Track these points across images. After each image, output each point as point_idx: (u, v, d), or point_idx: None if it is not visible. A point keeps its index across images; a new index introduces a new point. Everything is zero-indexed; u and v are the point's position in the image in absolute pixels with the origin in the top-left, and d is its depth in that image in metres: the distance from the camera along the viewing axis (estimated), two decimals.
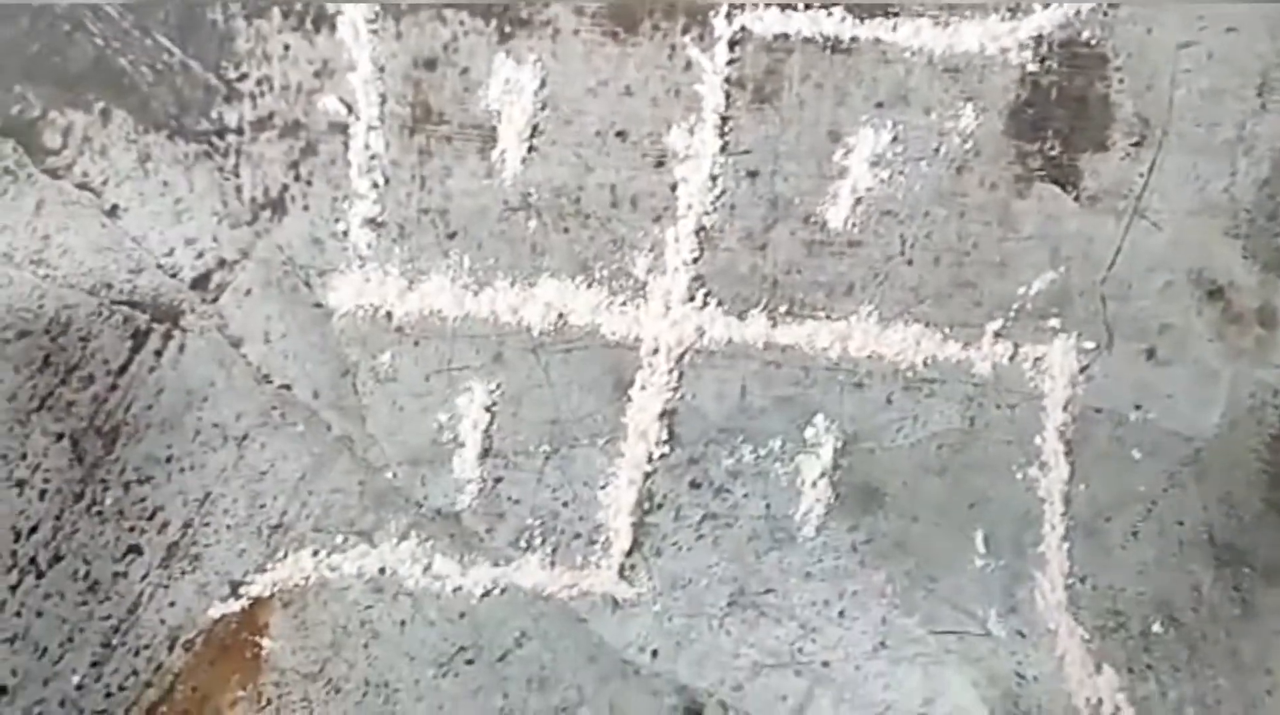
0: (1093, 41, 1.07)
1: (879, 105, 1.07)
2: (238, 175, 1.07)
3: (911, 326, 1.08)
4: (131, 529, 1.07)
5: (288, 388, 1.08)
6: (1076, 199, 1.07)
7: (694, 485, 1.08)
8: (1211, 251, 1.07)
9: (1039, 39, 1.07)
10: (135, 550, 1.06)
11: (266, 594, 1.06)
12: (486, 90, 1.07)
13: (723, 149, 1.07)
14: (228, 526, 1.07)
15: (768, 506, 1.08)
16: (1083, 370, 1.08)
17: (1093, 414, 1.07)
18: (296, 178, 1.07)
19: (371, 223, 1.07)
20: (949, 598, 1.08)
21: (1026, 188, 1.07)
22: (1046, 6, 1.07)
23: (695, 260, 1.08)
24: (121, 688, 1.05)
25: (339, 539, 1.08)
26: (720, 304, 1.09)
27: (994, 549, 1.08)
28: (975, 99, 1.07)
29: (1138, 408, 1.08)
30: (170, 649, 1.06)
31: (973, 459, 1.08)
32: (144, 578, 1.06)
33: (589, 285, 1.08)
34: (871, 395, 1.08)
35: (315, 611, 1.06)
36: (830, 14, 1.07)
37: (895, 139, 1.07)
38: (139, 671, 1.05)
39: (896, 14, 1.07)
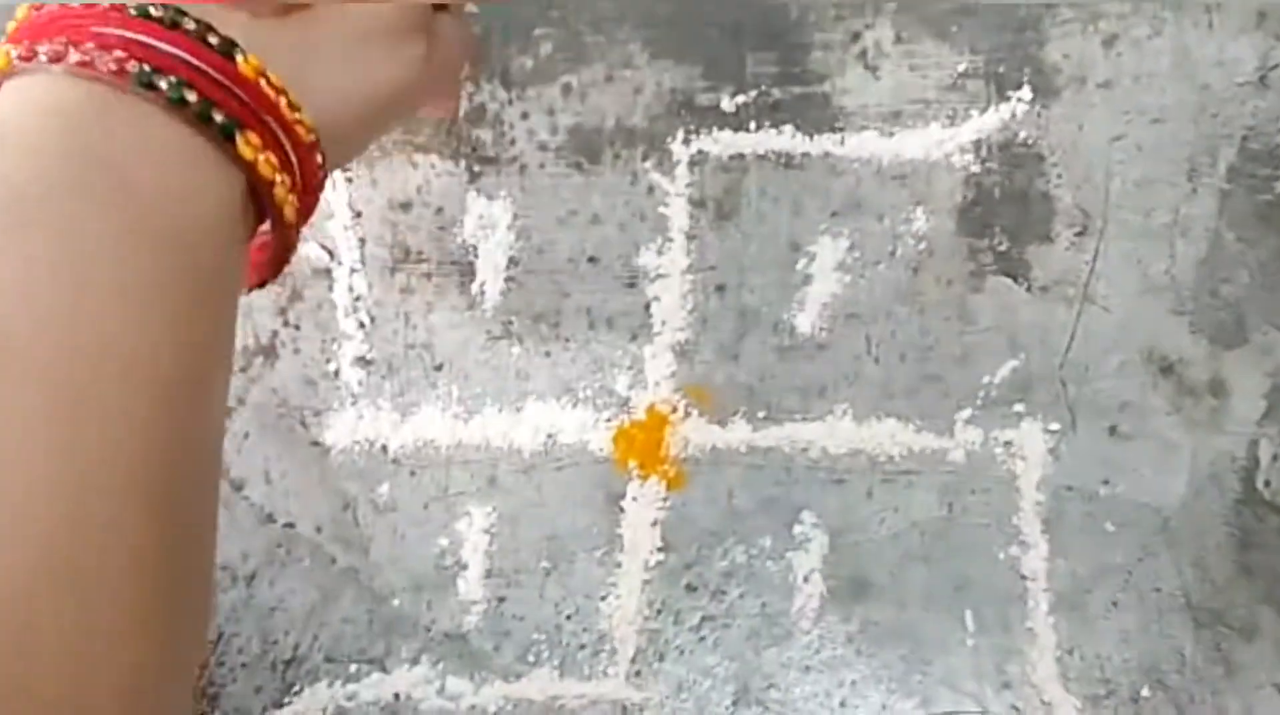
0: (1029, 141, 1.12)
1: (834, 214, 1.12)
2: None
3: (885, 421, 1.12)
4: None
5: (291, 525, 1.10)
6: (1028, 289, 1.12)
7: (690, 589, 1.11)
8: (1160, 330, 1.12)
9: (979, 143, 1.12)
10: None
11: None
12: (461, 227, 1.11)
13: (690, 266, 1.12)
14: (243, 665, 1.09)
15: (763, 604, 1.11)
16: (1051, 451, 1.11)
17: (1065, 492, 1.11)
18: (285, 323, 1.11)
19: (361, 361, 1.11)
20: (945, 679, 1.10)
21: (980, 282, 1.12)
22: (983, 112, 1.12)
23: (673, 374, 1.12)
24: None
25: (352, 668, 1.10)
26: (701, 414, 1.12)
27: (983, 628, 1.11)
28: (924, 202, 1.12)
29: (1106, 483, 1.12)
30: None
31: (955, 543, 1.11)
32: None
33: (574, 405, 1.11)
34: (853, 490, 1.11)
35: None
36: (780, 132, 1.12)
37: (852, 245, 1.12)
38: None
39: (843, 129, 1.12)
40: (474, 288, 1.11)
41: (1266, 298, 1.08)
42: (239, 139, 0.55)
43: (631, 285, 1.10)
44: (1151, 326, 1.10)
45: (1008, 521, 1.08)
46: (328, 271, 1.11)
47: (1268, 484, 1.07)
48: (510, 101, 1.13)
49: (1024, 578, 1.08)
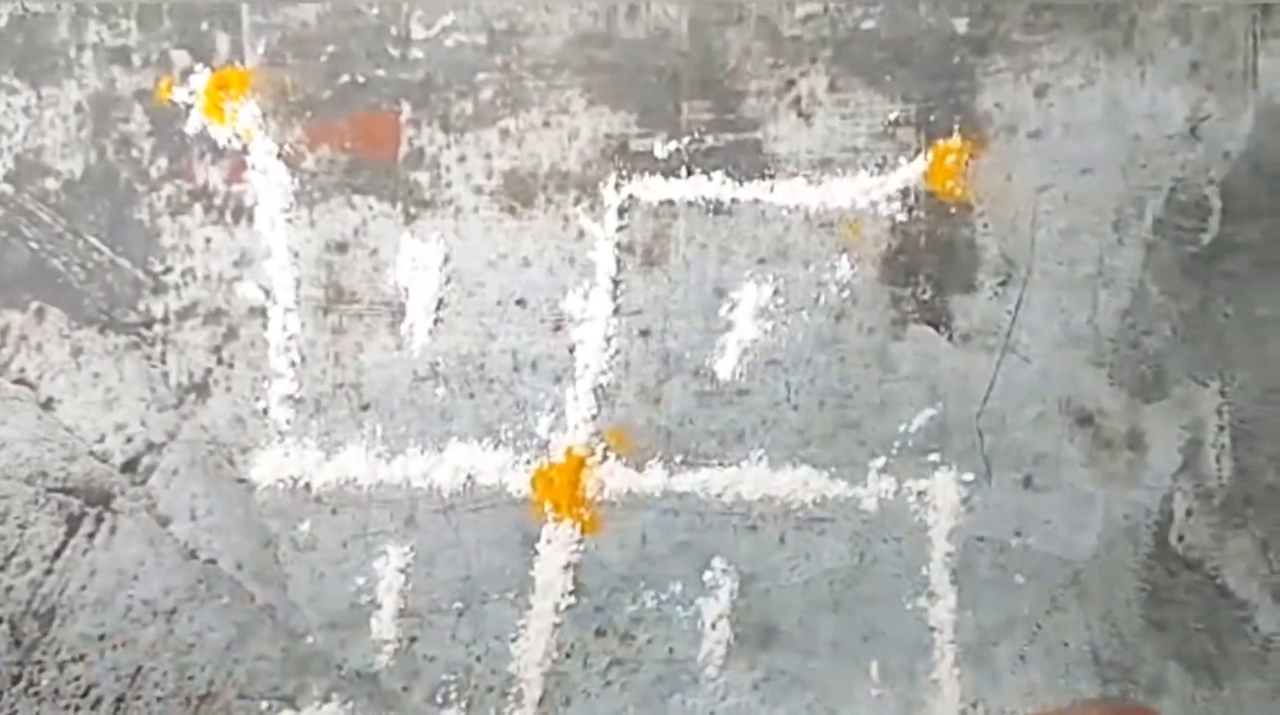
0: (956, 190, 1.11)
1: (761, 261, 1.11)
2: (164, 362, 1.12)
3: (800, 468, 1.11)
4: (67, 707, 1.10)
5: (213, 561, 1.11)
6: (950, 338, 1.11)
7: (599, 633, 1.11)
8: (1079, 381, 1.11)
9: (905, 191, 1.11)
10: None
11: None
12: (394, 268, 1.12)
13: (616, 311, 1.12)
14: (158, 699, 1.10)
15: (671, 650, 1.11)
16: (964, 501, 1.10)
17: (976, 543, 1.10)
18: (219, 361, 1.12)
19: (290, 399, 1.12)
20: None
21: (902, 330, 1.11)
22: (911, 161, 1.11)
23: (594, 417, 1.12)
24: None
25: (264, 705, 1.11)
26: (618, 458, 1.12)
27: (888, 679, 1.10)
28: (850, 250, 1.11)
29: (1018, 535, 1.11)
30: None
31: (864, 593, 1.10)
32: None
33: (495, 446, 1.11)
34: (765, 536, 1.11)
35: None
36: (711, 178, 1.12)
37: (777, 292, 1.11)
38: None
39: (773, 176, 1.12)
40: (403, 328, 1.11)
41: (1188, 351, 1.06)
42: None
43: (557, 328, 1.10)
44: (1071, 377, 1.09)
45: (917, 572, 1.07)
46: (263, 310, 1.12)
47: (1181, 539, 1.06)
48: (448, 145, 1.13)
49: (931, 629, 1.07)
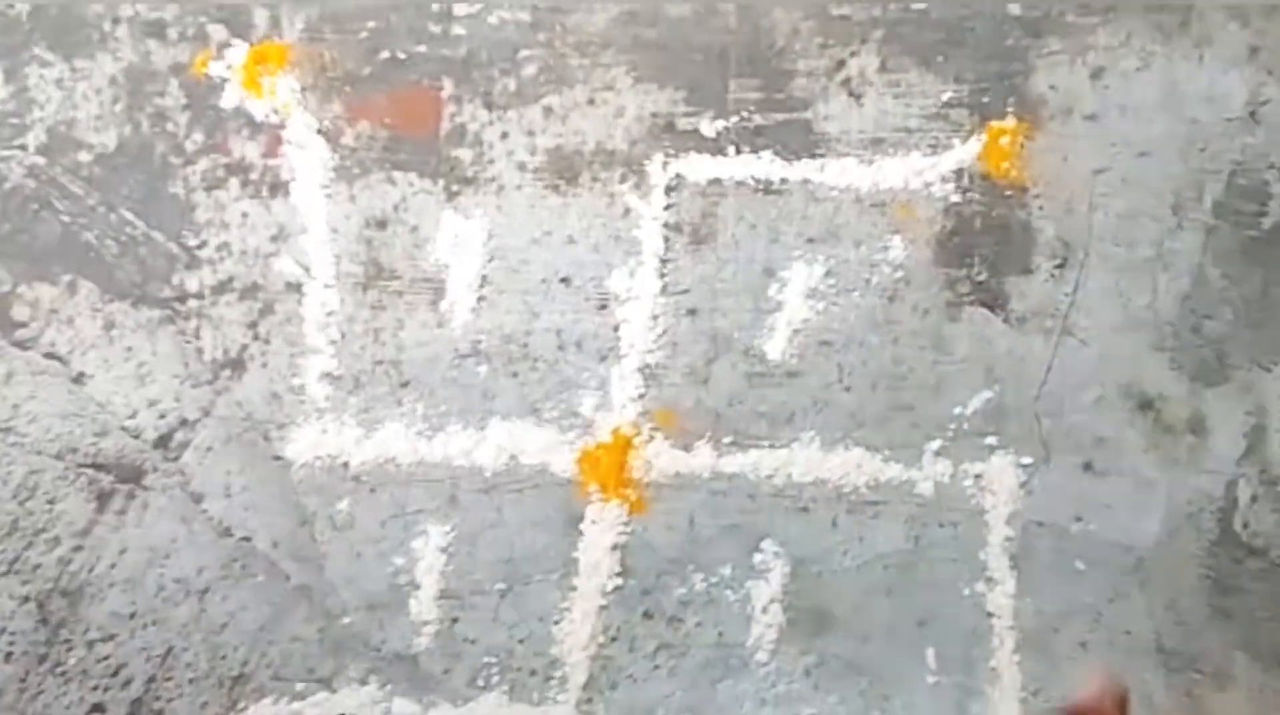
0: (1011, 172, 1.09)
1: (810, 241, 1.09)
2: (199, 337, 1.08)
3: (852, 450, 1.08)
4: (95, 688, 1.06)
5: (248, 540, 1.08)
6: (1006, 321, 1.08)
7: (647, 616, 1.07)
8: (1140, 364, 1.08)
9: (959, 172, 1.09)
10: (99, 709, 1.05)
11: None
12: (435, 245, 1.09)
13: (662, 290, 1.09)
14: (190, 680, 1.06)
15: (720, 634, 1.07)
16: (1022, 485, 1.07)
17: (1035, 527, 1.07)
18: (255, 337, 1.09)
19: (328, 376, 1.09)
20: None
21: (957, 312, 1.08)
22: (965, 142, 1.09)
23: (640, 397, 1.09)
24: None
25: (299, 687, 1.07)
26: (666, 438, 1.09)
27: (945, 666, 1.06)
28: (903, 231, 1.09)
29: (1078, 520, 1.07)
30: None
31: (920, 577, 1.07)
32: None
33: (539, 425, 1.08)
34: (816, 519, 1.07)
35: None
36: (760, 157, 1.09)
37: (828, 273, 1.08)
38: None
39: (823, 155, 1.09)
40: (444, 306, 1.08)
41: (1250, 335, 1.04)
42: None
43: (603, 307, 1.08)
44: (1130, 361, 1.06)
45: (974, 556, 1.03)
46: (300, 286, 1.09)
47: (1246, 525, 1.02)
48: (491, 122, 1.11)
49: (990, 615, 1.04)
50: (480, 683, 1.06)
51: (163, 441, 1.06)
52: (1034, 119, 1.09)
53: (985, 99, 1.08)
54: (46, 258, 1.07)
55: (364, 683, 1.05)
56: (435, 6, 1.09)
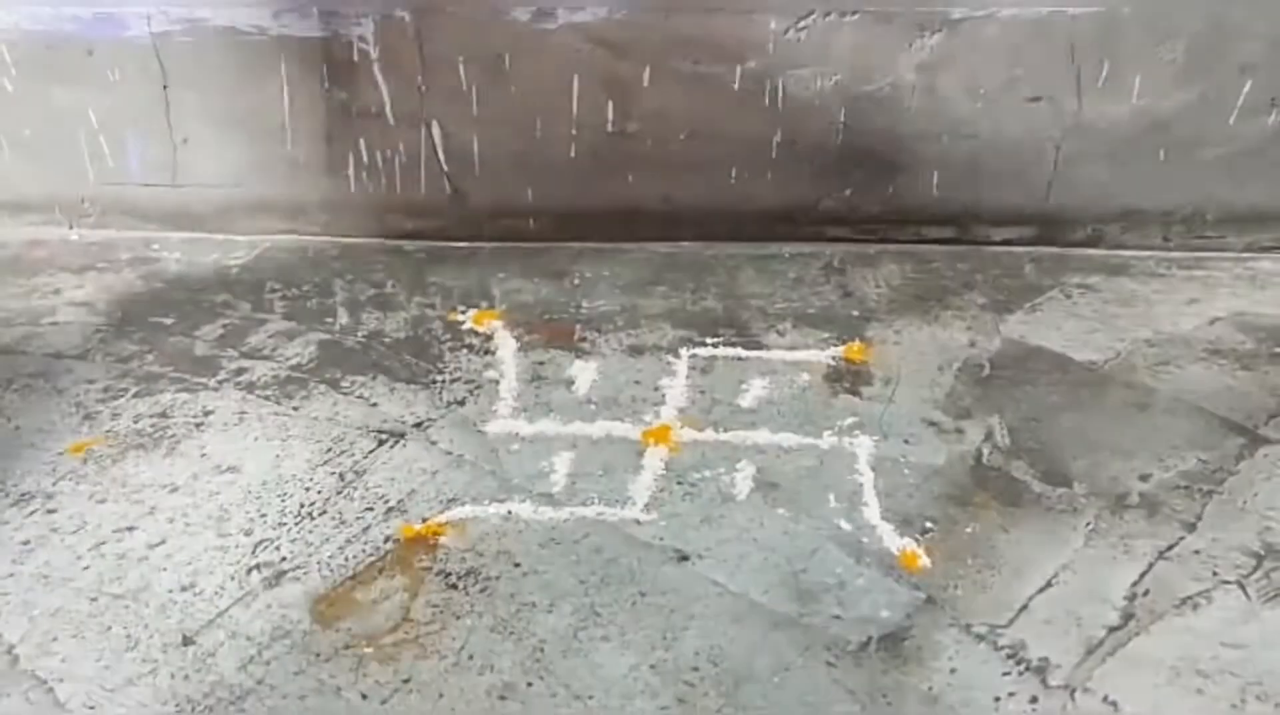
0: (860, 358, 2.30)
1: (761, 374, 2.25)
2: (444, 392, 2.19)
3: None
4: None
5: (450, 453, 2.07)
6: (860, 396, 2.20)
7: (678, 482, 2.02)
8: None
9: (835, 357, 2.29)
10: None
11: None
12: (567, 371, 2.25)
13: (688, 388, 2.22)
14: None
15: (711, 496, 2.01)
16: None
17: None
18: (470, 394, 2.20)
19: (509, 407, 2.17)
20: None
21: (833, 399, 2.21)
22: (837, 346, 2.31)
23: (678, 411, 2.16)
24: None
25: None
26: (684, 427, 2.14)
27: None
28: (809, 373, 2.26)
29: None
30: None
31: None
32: None
33: (623, 421, 2.14)
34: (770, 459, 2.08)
35: None
36: (734, 349, 2.32)
37: (771, 387, 2.24)
38: None
39: (768, 348, 2.31)
40: (574, 387, 2.20)
41: None
42: None
43: (656, 388, 2.20)
44: None
45: None
46: (497, 382, 2.22)
47: None
48: (597, 337, 2.33)
49: None
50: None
51: (419, 426, 2.09)
52: (868, 343, 2.30)
53: (843, 336, 2.31)
54: (361, 371, 2.22)
55: None
56: (570, 295, 2.37)
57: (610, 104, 2.60)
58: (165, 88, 2.69)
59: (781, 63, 2.56)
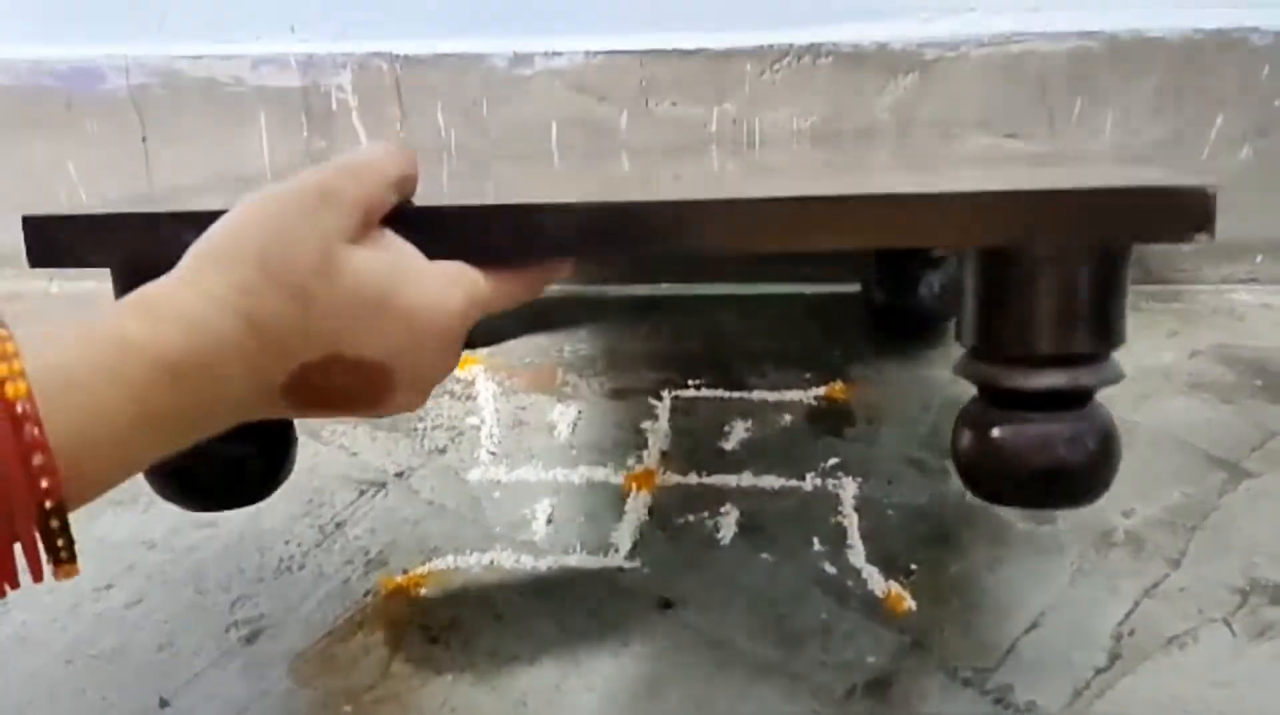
0: (841, 398, 2.28)
1: (743, 415, 2.23)
2: (424, 443, 2.17)
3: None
4: None
5: (431, 503, 2.05)
6: (842, 437, 2.19)
7: (659, 527, 2.01)
8: None
9: (817, 396, 2.28)
10: None
11: None
12: (547, 413, 2.23)
13: (669, 431, 2.21)
14: None
15: (695, 538, 2.00)
16: None
17: None
18: (452, 441, 2.17)
19: (488, 453, 2.15)
20: None
21: (811, 432, 2.19)
22: (819, 387, 2.30)
23: (661, 455, 2.14)
24: None
25: None
26: (667, 471, 2.12)
27: None
28: (790, 413, 2.25)
29: None
30: None
31: None
32: None
33: (605, 467, 2.12)
34: (753, 496, 2.06)
35: None
36: (715, 391, 2.30)
37: (756, 426, 2.22)
38: None
39: (751, 389, 2.30)
40: (555, 433, 2.19)
41: None
42: None
43: (638, 431, 2.18)
44: None
45: None
46: (479, 427, 2.20)
47: None
48: (572, 375, 2.32)
49: None
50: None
51: (400, 475, 2.09)
52: (851, 382, 2.30)
53: (825, 376, 2.30)
54: None
55: None
56: (549, 342, 2.36)
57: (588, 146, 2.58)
58: (144, 139, 2.67)
59: (758, 103, 2.55)
